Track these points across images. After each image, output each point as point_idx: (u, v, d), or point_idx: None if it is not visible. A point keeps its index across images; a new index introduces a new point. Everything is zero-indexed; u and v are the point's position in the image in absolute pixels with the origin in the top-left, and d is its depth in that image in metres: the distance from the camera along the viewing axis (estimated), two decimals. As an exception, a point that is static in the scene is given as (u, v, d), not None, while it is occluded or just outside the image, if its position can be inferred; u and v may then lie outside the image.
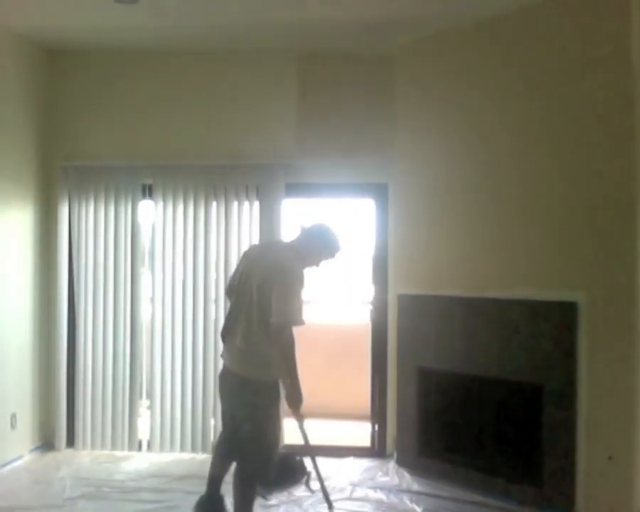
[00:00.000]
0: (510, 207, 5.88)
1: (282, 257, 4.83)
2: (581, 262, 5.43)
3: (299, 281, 4.74)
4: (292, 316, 4.69)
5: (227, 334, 4.96)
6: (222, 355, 5.08)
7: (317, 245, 5.00)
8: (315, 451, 5.33)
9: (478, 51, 6.13)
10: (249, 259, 5.03)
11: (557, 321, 5.50)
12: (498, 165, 5.98)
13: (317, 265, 5.09)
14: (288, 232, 6.92)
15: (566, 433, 5.44)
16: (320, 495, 5.77)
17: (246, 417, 4.77)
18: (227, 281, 5.51)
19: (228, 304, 5.43)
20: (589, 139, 5.42)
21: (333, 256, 5.11)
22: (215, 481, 5.24)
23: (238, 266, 5.16)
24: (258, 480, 4.94)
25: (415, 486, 6.14)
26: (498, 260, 5.93)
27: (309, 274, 4.93)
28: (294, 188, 7.04)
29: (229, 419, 5.05)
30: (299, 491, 6.00)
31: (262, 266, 4.78)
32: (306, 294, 4.82)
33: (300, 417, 5.07)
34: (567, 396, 5.43)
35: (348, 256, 9.69)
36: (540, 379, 5.59)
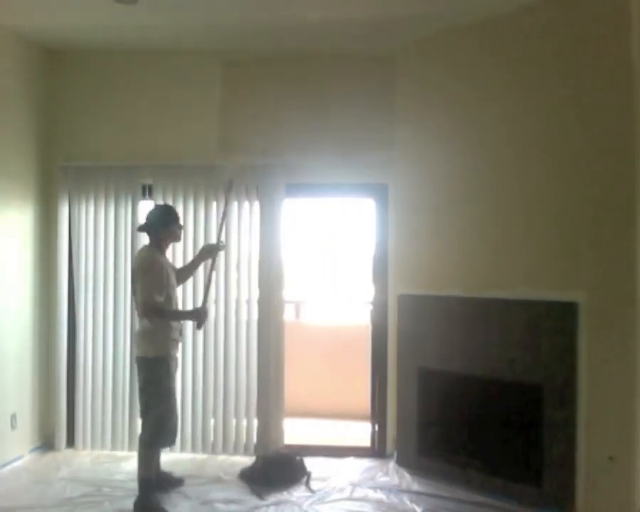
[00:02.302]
0: (511, 207, 5.88)
1: (140, 252, 5.85)
2: (581, 262, 5.43)
3: (150, 265, 5.62)
4: (151, 298, 5.54)
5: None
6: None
7: (158, 226, 5.78)
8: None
9: (478, 51, 6.13)
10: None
11: (557, 321, 5.50)
12: (498, 165, 5.97)
13: (172, 241, 6.02)
14: (288, 232, 6.96)
15: (566, 433, 5.44)
16: (320, 495, 5.93)
17: (143, 389, 5.68)
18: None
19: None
20: (590, 140, 5.41)
21: (175, 226, 5.92)
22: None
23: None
24: (154, 443, 5.73)
25: (415, 486, 6.13)
26: (499, 260, 5.93)
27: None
28: (295, 188, 7.04)
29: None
30: (299, 492, 6.06)
31: (133, 265, 5.92)
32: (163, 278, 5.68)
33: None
34: (567, 396, 5.43)
35: (348, 256, 9.72)
36: (540, 379, 5.59)
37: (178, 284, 6.05)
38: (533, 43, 5.74)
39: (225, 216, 6.51)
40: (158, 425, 5.61)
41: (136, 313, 5.81)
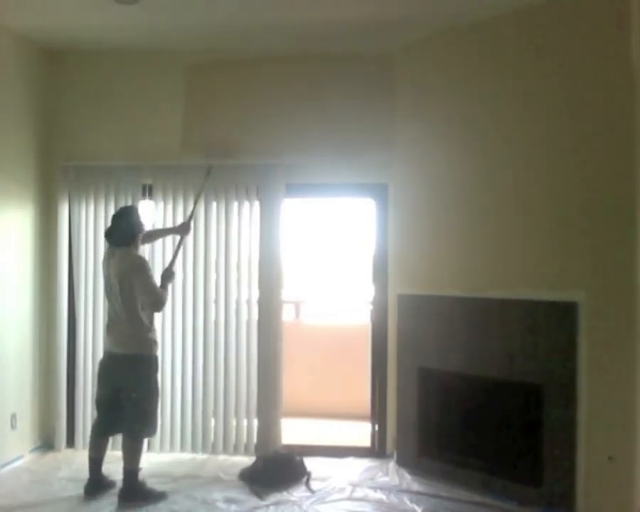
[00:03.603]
0: (511, 207, 5.87)
1: (126, 256, 5.82)
2: (581, 262, 5.42)
3: (143, 265, 5.91)
4: (157, 293, 5.92)
5: (111, 327, 5.94)
6: (105, 344, 6.09)
7: (131, 229, 5.89)
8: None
9: (478, 51, 6.12)
10: (106, 268, 5.93)
11: (557, 321, 5.49)
12: (498, 165, 5.97)
13: (143, 241, 6.19)
14: (288, 232, 6.97)
15: (566, 433, 5.43)
16: (320, 495, 5.92)
17: (135, 387, 5.77)
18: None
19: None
20: (589, 139, 5.40)
21: (141, 224, 6.05)
22: (97, 463, 5.92)
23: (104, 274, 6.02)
24: (145, 435, 5.97)
25: (415, 486, 6.13)
26: (498, 260, 5.93)
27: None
28: (295, 188, 7.03)
29: (109, 399, 5.87)
30: (299, 492, 6.04)
31: (116, 269, 5.79)
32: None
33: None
34: (567, 396, 5.42)
35: (348, 256, 9.69)
36: (540, 379, 5.58)
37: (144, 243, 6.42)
38: (533, 43, 5.74)
39: (197, 200, 6.68)
40: (150, 418, 5.88)
41: (124, 313, 5.79)
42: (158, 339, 6.28)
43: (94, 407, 6.09)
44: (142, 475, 5.91)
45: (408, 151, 6.67)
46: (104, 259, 5.99)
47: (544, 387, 5.57)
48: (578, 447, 5.39)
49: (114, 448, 6.97)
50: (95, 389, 6.13)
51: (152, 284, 5.88)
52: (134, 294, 5.74)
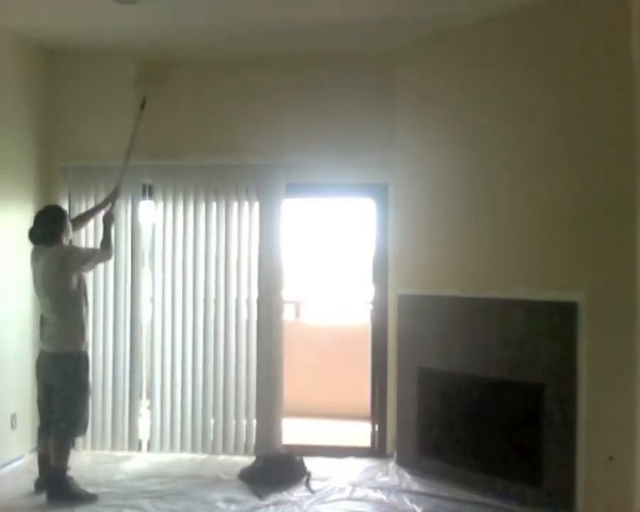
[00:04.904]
0: (511, 207, 5.86)
1: (57, 251, 5.80)
2: (581, 262, 5.41)
3: (73, 247, 6.11)
4: (93, 249, 6.29)
5: (43, 324, 5.95)
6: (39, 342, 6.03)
7: (58, 225, 5.88)
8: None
9: (478, 51, 6.11)
10: (34, 266, 5.89)
11: (557, 321, 5.48)
12: (498, 165, 5.96)
13: (74, 229, 6.25)
14: (288, 232, 6.98)
15: (566, 433, 5.42)
16: (320, 495, 5.91)
17: (62, 385, 5.72)
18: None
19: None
20: (589, 139, 5.39)
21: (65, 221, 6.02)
22: (45, 460, 5.83)
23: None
24: (75, 434, 6.01)
25: (415, 486, 6.11)
26: (499, 260, 5.91)
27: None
28: (295, 188, 7.02)
29: (43, 397, 5.88)
30: (299, 492, 6.02)
31: (41, 267, 5.78)
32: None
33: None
34: (567, 396, 5.41)
35: (348, 256, 9.66)
36: (540, 379, 5.57)
37: (77, 229, 6.49)
38: (533, 43, 5.73)
39: (134, 136, 6.51)
40: (78, 417, 5.82)
41: (52, 311, 5.81)
42: (90, 337, 6.44)
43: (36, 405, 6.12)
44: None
45: (408, 151, 6.66)
46: (32, 257, 5.92)
47: (544, 387, 5.55)
48: (578, 447, 5.37)
49: (114, 448, 7.04)
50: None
51: (87, 249, 6.39)
52: (60, 293, 5.77)
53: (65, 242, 5.93)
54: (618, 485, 5.21)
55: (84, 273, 6.05)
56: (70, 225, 6.03)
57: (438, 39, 6.35)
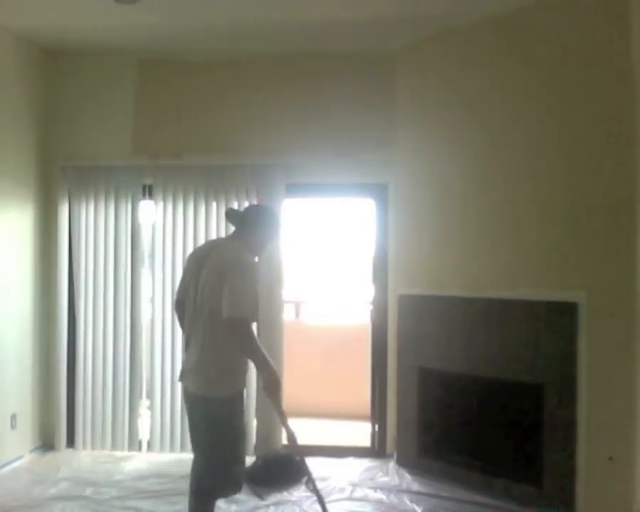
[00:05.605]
0: (511, 207, 5.85)
1: (232, 252, 4.42)
2: (581, 262, 5.40)
3: (254, 272, 4.39)
4: (247, 308, 4.16)
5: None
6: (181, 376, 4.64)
7: (262, 229, 4.62)
8: (303, 450, 4.93)
9: (478, 51, 6.10)
10: (196, 264, 4.52)
11: (558, 321, 5.47)
12: (498, 165, 5.95)
13: (264, 250, 4.80)
14: (288, 232, 6.97)
15: (566, 433, 5.41)
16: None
17: (209, 431, 4.39)
18: (176, 294, 4.82)
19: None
20: (589, 140, 5.37)
21: (278, 235, 5.04)
22: None
23: (184, 276, 4.68)
24: (213, 496, 4.55)
25: (415, 486, 6.10)
26: (499, 260, 5.90)
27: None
28: (294, 189, 6.99)
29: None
30: (299, 492, 5.97)
31: (212, 267, 4.34)
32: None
33: (280, 410, 4.52)
34: (567, 396, 5.40)
35: (348, 256, 9.60)
36: (540, 379, 5.56)
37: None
38: (534, 42, 5.71)
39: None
40: (223, 472, 4.44)
41: (204, 328, 4.35)
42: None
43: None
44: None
45: (408, 151, 6.65)
46: (198, 254, 4.74)
47: (544, 387, 5.54)
48: (578, 447, 5.36)
49: (114, 448, 7.01)
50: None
51: (245, 296, 4.20)
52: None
53: (251, 257, 4.57)
54: (618, 485, 5.19)
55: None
56: (270, 235, 4.77)
57: (438, 39, 6.34)
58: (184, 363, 4.62)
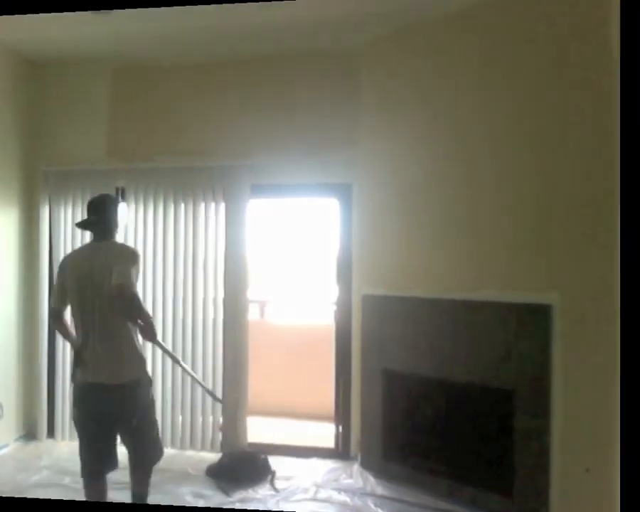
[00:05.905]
0: (478, 205, 4.27)
1: (115, 246, 3.80)
2: (554, 262, 3.87)
3: (135, 257, 3.71)
4: (130, 279, 3.53)
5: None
6: (83, 375, 3.66)
7: (116, 215, 3.83)
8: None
9: (445, 47, 4.49)
10: (77, 270, 3.70)
11: (529, 325, 3.92)
12: (463, 163, 4.37)
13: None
14: (253, 233, 5.49)
15: (539, 441, 3.86)
16: (284, 494, 4.61)
17: (148, 419, 3.84)
18: (52, 304, 3.91)
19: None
20: (565, 137, 3.84)
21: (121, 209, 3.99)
22: None
23: (60, 285, 3.77)
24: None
25: (379, 490, 4.57)
26: (466, 261, 4.31)
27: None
28: (260, 189, 5.41)
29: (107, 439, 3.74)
30: (264, 489, 4.67)
31: (103, 264, 3.61)
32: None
33: (170, 353, 4.62)
34: (539, 403, 3.85)
35: (313, 256, 8.04)
36: (510, 384, 4.00)
37: None
38: (502, 37, 4.16)
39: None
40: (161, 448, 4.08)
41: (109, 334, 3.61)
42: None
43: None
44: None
45: (372, 151, 5.00)
46: (75, 260, 3.86)
47: (515, 392, 3.98)
48: (552, 457, 3.81)
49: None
50: None
51: (131, 272, 3.63)
52: None
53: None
54: (595, 498, 3.66)
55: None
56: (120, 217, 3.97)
57: (402, 36, 4.71)
58: (92, 359, 3.61)
